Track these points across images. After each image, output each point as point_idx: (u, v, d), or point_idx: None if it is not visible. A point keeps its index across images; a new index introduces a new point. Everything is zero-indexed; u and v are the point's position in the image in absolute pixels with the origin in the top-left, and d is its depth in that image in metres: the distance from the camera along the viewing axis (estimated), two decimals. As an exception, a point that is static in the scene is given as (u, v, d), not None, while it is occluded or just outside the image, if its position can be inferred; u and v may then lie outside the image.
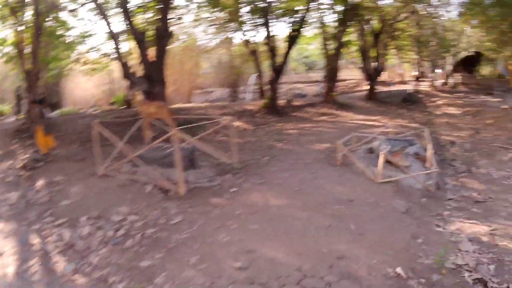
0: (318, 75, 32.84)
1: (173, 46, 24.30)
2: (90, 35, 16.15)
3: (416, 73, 32.52)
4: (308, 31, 22.61)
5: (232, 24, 19.85)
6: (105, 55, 16.27)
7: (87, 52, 17.24)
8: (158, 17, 13.35)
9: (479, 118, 19.21)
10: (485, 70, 37.42)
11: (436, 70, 35.29)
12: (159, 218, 6.55)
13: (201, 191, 7.50)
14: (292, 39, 16.91)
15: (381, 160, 8.36)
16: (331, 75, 20.16)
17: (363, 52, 22.34)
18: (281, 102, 18.41)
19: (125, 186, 7.78)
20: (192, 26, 23.52)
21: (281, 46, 18.75)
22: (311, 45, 38.02)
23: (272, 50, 16.82)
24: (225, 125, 10.26)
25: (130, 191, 7.55)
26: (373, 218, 6.76)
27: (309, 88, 31.36)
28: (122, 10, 12.42)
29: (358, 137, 11.44)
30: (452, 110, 22.11)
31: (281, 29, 49.73)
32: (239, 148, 10.43)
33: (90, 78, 21.10)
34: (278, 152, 10.47)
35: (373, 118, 16.85)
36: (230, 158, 9.16)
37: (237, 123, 14.48)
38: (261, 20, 17.13)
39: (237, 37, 26.83)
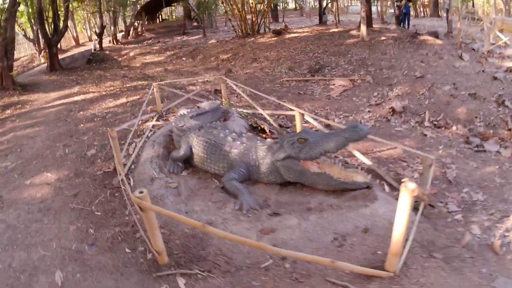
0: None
1: None
2: None
3: (96, 30, 28.02)
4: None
5: None
6: None
7: None
8: None
9: (202, 56, 16.63)
10: (164, 13, 38.15)
11: (117, 23, 32.23)
12: None
13: None
14: None
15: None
16: (6, 50, 13.17)
17: (40, 13, 16.56)
18: None
19: None
20: None
21: None
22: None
23: None
24: None
25: None
26: None
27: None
28: None
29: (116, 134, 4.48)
30: (152, 58, 19.37)
31: None
32: None
33: None
34: None
35: (73, 91, 10.55)
36: None
37: None
38: None
39: None
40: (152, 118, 5.44)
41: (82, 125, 6.12)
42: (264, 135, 5.35)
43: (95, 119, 6.30)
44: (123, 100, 7.31)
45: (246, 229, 2.90)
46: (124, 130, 4.71)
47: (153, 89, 5.72)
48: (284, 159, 3.33)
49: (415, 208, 3.90)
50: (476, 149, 5.72)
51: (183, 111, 5.40)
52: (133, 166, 4.07)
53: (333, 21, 16.94)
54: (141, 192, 2.31)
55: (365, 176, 3.31)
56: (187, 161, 4.04)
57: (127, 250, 2.81)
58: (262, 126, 5.41)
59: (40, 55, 22.13)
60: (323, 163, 3.44)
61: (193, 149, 3.93)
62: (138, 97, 7.33)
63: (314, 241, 2.84)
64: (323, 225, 2.98)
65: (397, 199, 4.03)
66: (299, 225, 2.96)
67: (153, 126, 5.11)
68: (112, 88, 9.50)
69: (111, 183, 3.84)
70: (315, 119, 4.86)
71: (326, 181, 3.25)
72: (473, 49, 9.48)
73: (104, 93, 8.98)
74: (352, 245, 2.90)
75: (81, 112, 7.08)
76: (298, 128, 4.95)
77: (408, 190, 2.46)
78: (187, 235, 2.87)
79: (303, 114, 4.84)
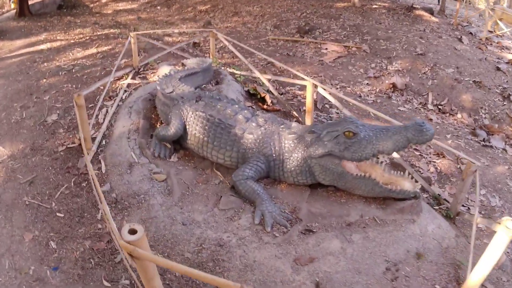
0: None
1: None
2: None
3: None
4: None
5: None
6: None
7: None
8: None
9: (179, 6, 15.20)
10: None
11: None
12: None
13: None
14: None
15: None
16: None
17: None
18: None
19: None
20: None
21: None
22: None
23: None
24: None
25: None
26: None
27: None
28: None
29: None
30: (125, 5, 17.24)
31: None
32: None
33: None
34: None
35: (39, 38, 9.00)
36: None
37: None
38: None
39: None
40: (127, 75, 4.25)
41: (44, 80, 4.85)
42: (264, 106, 4.46)
43: (60, 73, 5.03)
44: (93, 50, 6.01)
45: (275, 257, 2.11)
46: (92, 90, 3.55)
47: (130, 39, 4.41)
48: (323, 157, 2.50)
49: (446, 216, 3.41)
50: (483, 143, 5.36)
51: (165, 68, 4.28)
52: (104, 142, 3.01)
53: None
54: (133, 232, 1.34)
55: (414, 184, 2.62)
56: (177, 141, 3.06)
57: (106, 283, 1.91)
58: (263, 95, 4.48)
59: (10, 1, 20.34)
60: (363, 162, 2.68)
61: (187, 126, 2.94)
62: (109, 47, 6.05)
63: (363, 273, 2.16)
64: (372, 250, 2.30)
65: (428, 203, 3.51)
66: (343, 251, 2.23)
67: (128, 85, 3.96)
68: (81, 36, 8.10)
69: (75, 166, 2.81)
70: (330, 94, 4.04)
71: (370, 187, 2.51)
72: (471, 33, 9.03)
73: (72, 41, 7.55)
74: (407, 277, 2.28)
75: (45, 64, 5.70)
76: (308, 102, 4.08)
77: (509, 231, 1.86)
78: (191, 263, 2.01)
79: (316, 85, 3.97)
